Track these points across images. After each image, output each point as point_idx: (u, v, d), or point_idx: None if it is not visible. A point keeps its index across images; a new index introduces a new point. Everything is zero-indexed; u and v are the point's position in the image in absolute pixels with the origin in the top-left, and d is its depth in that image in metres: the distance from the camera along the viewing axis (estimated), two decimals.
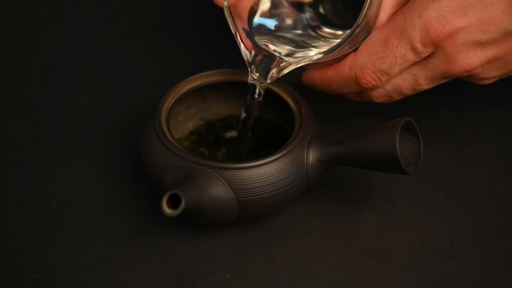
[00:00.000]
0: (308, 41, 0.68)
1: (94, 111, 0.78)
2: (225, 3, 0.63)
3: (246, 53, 0.65)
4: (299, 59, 0.64)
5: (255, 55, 0.66)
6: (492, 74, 0.65)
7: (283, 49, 0.67)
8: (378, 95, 0.67)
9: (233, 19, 0.64)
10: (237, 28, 0.65)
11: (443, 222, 0.68)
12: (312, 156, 0.65)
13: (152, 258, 0.65)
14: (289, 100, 0.69)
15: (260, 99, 0.68)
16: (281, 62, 0.65)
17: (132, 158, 0.73)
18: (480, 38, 0.61)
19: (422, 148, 0.65)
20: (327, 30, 0.69)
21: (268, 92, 0.69)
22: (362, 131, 0.65)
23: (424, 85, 0.66)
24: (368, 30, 0.63)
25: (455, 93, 0.80)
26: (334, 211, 0.68)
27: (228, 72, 0.71)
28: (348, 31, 0.61)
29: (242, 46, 0.65)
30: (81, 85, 0.81)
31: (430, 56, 0.63)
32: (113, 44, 0.87)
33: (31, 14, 0.90)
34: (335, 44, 0.61)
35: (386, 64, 0.64)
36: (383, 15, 0.63)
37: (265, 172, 0.63)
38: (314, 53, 0.64)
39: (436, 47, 0.62)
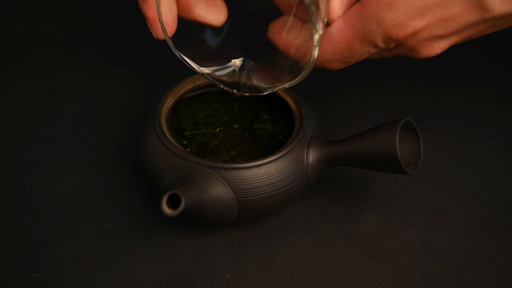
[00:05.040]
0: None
1: (94, 111, 0.78)
2: (167, 35, 0.62)
3: (204, 70, 0.65)
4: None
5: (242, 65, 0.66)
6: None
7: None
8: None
9: (176, 48, 0.63)
10: (182, 57, 0.64)
11: (443, 222, 0.68)
12: (312, 156, 0.65)
13: (152, 258, 0.65)
14: (289, 100, 0.69)
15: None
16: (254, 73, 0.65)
17: (132, 158, 0.73)
18: (442, 33, 0.61)
19: (422, 148, 0.65)
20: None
21: None
22: (362, 131, 0.65)
23: (389, 57, 0.66)
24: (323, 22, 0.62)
25: (455, 92, 0.80)
26: (334, 211, 0.68)
27: None
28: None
29: (195, 66, 0.64)
30: (81, 85, 0.81)
31: (394, 47, 0.63)
32: (113, 44, 0.87)
33: (31, 14, 0.90)
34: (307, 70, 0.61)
35: (353, 59, 0.64)
36: (336, 4, 0.63)
37: (265, 172, 0.63)
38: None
39: (398, 43, 0.62)
